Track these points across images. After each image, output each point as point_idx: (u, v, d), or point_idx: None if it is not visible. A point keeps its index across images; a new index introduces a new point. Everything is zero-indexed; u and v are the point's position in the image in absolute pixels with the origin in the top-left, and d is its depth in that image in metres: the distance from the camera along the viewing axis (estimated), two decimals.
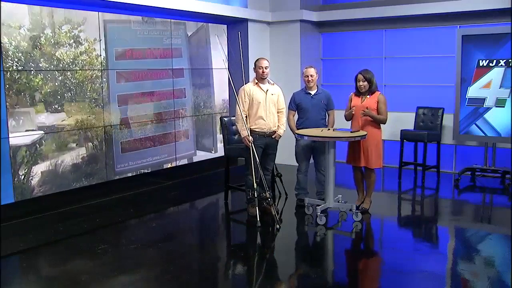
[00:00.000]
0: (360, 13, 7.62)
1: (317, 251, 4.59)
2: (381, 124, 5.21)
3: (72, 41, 5.41)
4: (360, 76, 5.14)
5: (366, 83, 5.12)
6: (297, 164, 5.62)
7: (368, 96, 5.17)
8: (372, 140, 5.12)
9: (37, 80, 5.11)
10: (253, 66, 5.22)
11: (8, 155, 4.89)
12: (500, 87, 6.48)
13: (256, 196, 4.98)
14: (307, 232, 5.10)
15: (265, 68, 5.09)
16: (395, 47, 7.75)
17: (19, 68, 4.96)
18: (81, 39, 5.50)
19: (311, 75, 5.40)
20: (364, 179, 5.42)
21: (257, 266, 4.15)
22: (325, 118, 5.55)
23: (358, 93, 5.23)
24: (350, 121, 5.34)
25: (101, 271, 3.92)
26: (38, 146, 5.16)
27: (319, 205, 5.05)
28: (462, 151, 7.33)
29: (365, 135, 5.00)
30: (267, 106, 5.12)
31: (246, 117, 5.11)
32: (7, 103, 4.87)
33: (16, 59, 4.92)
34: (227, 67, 6.25)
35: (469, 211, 5.85)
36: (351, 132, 5.03)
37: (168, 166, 6.70)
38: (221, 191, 6.07)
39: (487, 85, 6.57)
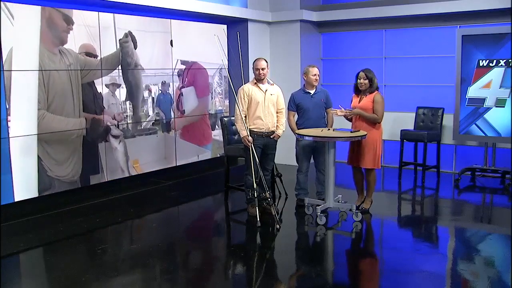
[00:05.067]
0: (360, 13, 7.62)
1: (317, 251, 4.59)
2: (381, 124, 5.21)
3: None
4: (362, 74, 5.14)
5: (367, 81, 5.12)
6: (297, 164, 5.61)
7: (366, 96, 5.17)
8: (367, 140, 5.10)
9: None
10: (252, 67, 5.22)
11: (8, 155, 4.89)
12: (500, 87, 6.48)
13: (256, 196, 4.99)
14: (307, 232, 5.10)
15: (262, 70, 5.09)
16: (395, 47, 7.75)
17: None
18: None
19: (318, 75, 5.40)
20: (364, 180, 5.42)
21: (257, 266, 4.15)
22: (326, 117, 5.55)
23: (357, 91, 5.23)
24: (350, 121, 5.33)
25: (101, 271, 3.92)
26: None
27: (319, 205, 5.05)
28: (462, 151, 7.33)
29: (365, 135, 5.00)
30: (266, 106, 5.12)
31: (245, 117, 5.11)
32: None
33: None
34: (227, 67, 6.25)
35: (469, 211, 5.85)
36: (351, 132, 5.03)
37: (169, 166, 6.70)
38: (221, 191, 6.07)
39: (487, 85, 6.57)
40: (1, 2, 4.68)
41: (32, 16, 5.02)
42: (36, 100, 5.12)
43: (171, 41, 6.58)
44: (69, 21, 5.34)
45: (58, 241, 4.66)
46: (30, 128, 5.10)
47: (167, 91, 6.65)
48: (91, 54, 5.65)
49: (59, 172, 5.38)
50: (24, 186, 5.09)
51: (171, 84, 6.66)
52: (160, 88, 6.54)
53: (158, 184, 6.48)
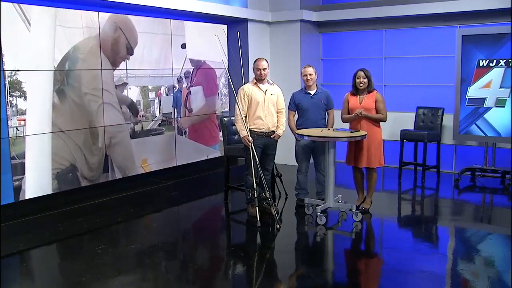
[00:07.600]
0: (360, 13, 7.62)
1: (317, 251, 4.59)
2: (381, 123, 5.22)
3: None
4: (361, 73, 5.15)
5: (366, 79, 5.13)
6: (297, 164, 5.62)
7: (366, 96, 5.17)
8: (373, 139, 5.12)
9: None
10: (252, 67, 5.22)
11: (8, 155, 4.89)
12: (500, 87, 6.48)
13: (256, 196, 4.99)
14: (307, 232, 5.10)
15: (263, 70, 5.09)
16: (395, 47, 7.75)
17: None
18: None
19: (310, 74, 5.39)
20: (364, 179, 5.42)
21: (257, 266, 4.15)
22: (325, 118, 5.54)
23: (356, 91, 5.23)
24: (348, 122, 5.33)
25: (101, 271, 3.92)
26: None
27: (319, 205, 5.05)
28: (462, 151, 7.33)
29: (365, 135, 5.00)
30: (266, 106, 5.12)
31: (245, 117, 5.11)
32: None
33: None
34: (227, 67, 6.25)
35: (469, 211, 5.85)
36: (351, 132, 5.03)
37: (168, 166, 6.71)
38: (221, 191, 6.07)
39: (487, 85, 6.57)
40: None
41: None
42: (50, 100, 5.22)
43: (182, 44, 6.69)
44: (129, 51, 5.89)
45: (58, 241, 4.67)
46: (44, 127, 5.17)
47: (182, 88, 6.76)
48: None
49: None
50: (38, 183, 5.15)
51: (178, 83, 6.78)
52: (175, 86, 6.65)
53: (158, 184, 6.48)
